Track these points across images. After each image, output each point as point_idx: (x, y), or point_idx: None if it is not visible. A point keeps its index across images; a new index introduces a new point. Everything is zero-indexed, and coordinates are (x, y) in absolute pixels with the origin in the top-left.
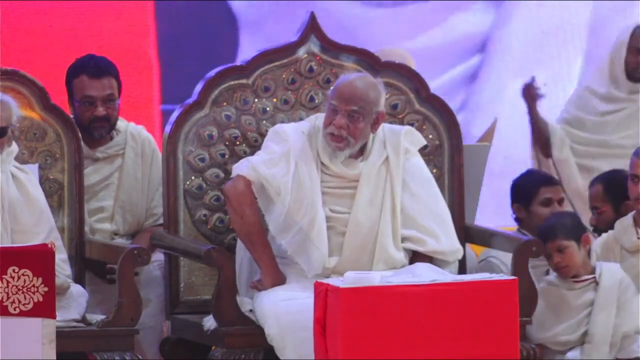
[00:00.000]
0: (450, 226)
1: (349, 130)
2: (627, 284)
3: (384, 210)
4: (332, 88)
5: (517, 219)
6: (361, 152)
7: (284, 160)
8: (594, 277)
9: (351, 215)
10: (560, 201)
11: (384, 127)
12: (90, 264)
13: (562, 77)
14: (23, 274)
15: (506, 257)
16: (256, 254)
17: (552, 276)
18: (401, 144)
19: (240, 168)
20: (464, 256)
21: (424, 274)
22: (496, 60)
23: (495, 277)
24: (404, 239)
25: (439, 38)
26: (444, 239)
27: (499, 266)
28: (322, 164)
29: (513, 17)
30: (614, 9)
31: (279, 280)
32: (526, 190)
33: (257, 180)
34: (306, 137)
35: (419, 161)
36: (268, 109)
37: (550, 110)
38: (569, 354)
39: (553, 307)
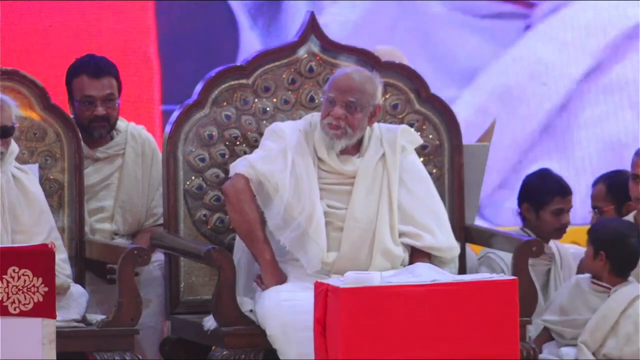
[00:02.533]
0: (446, 224)
1: (347, 121)
2: (632, 312)
3: (381, 206)
4: (328, 81)
5: (523, 218)
6: (357, 149)
7: (281, 156)
8: (609, 289)
9: (348, 210)
10: (569, 210)
11: (381, 126)
12: (90, 264)
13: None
14: (23, 274)
15: (505, 254)
16: (256, 251)
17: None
18: (398, 142)
19: (238, 167)
20: (464, 256)
21: (424, 274)
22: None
23: (495, 277)
24: (401, 235)
25: None
26: (440, 235)
27: (497, 262)
28: (319, 159)
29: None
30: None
31: (280, 277)
32: (539, 195)
33: (255, 177)
34: (302, 134)
35: (415, 159)
36: (268, 109)
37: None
38: (563, 349)
39: (574, 298)
